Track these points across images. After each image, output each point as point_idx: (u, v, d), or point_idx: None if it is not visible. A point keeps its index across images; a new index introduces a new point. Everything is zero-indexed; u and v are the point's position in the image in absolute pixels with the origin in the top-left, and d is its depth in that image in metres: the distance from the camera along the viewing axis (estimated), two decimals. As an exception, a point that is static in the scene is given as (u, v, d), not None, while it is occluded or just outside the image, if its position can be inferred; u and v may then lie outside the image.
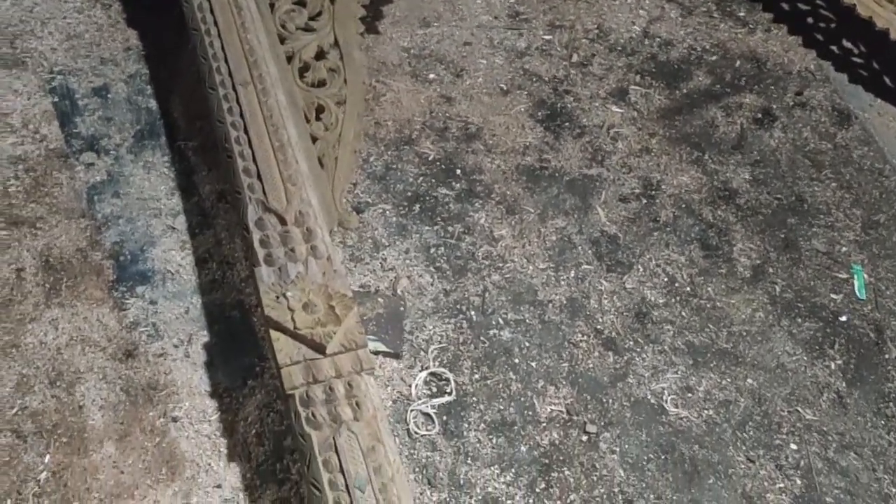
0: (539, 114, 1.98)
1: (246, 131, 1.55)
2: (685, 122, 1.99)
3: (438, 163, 1.87)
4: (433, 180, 1.85)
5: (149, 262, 1.63)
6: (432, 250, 1.74)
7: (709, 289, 1.74)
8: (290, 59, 1.71)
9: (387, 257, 1.72)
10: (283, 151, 1.53)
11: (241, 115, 1.56)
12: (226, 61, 1.63)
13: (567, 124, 1.97)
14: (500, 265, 1.74)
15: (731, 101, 2.02)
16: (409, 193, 1.82)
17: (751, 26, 2.16)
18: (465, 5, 2.15)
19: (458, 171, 1.86)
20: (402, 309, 1.65)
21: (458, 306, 1.67)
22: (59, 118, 1.77)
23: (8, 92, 1.78)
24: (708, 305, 1.71)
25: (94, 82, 1.84)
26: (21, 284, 1.55)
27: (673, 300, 1.72)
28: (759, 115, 2.01)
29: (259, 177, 1.50)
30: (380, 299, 1.66)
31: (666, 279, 1.74)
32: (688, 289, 1.73)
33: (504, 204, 1.83)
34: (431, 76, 2.01)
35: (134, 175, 1.74)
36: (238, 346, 1.55)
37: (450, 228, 1.78)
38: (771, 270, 1.78)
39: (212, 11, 1.68)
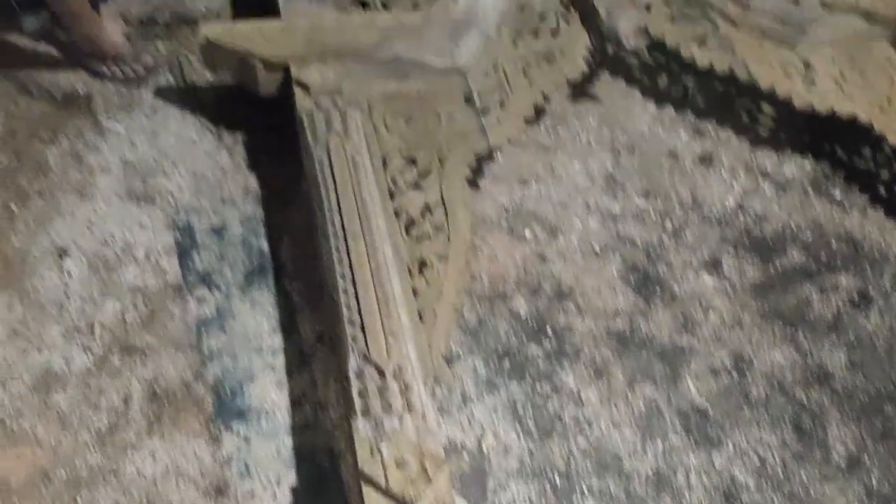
0: (631, 278, 2.01)
1: (353, 282, 1.62)
2: (779, 298, 1.99)
3: (530, 320, 1.91)
4: (524, 337, 1.88)
5: (246, 399, 1.69)
6: (520, 409, 1.75)
7: (802, 474, 1.69)
8: (397, 213, 1.80)
9: (474, 412, 1.74)
10: (386, 304, 1.60)
11: (350, 267, 1.65)
12: (339, 213, 1.73)
13: (659, 291, 1.99)
14: (587, 429, 1.74)
15: (826, 281, 2.02)
16: (500, 349, 1.85)
17: (847, 207, 2.18)
18: (562, 167, 2.23)
19: (549, 330, 1.89)
20: (486, 467, 1.66)
21: (542, 468, 1.66)
22: (179, 253, 1.89)
23: (136, 225, 1.92)
24: (800, 492, 1.66)
25: (213, 221, 1.97)
26: (127, 412, 1.62)
27: (764, 483, 1.67)
28: (856, 297, 2.00)
29: (362, 328, 1.56)
30: (465, 455, 1.67)
31: (757, 460, 1.71)
32: (780, 473, 1.69)
33: (593, 367, 1.84)
34: (527, 234, 2.08)
35: (240, 312, 1.83)
36: (324, 491, 1.57)
37: (538, 387, 1.79)
38: (867, 460, 1.73)
39: (330, 166, 1.80)
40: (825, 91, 2.10)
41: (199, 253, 1.91)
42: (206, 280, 1.87)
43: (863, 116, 2.07)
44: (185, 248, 1.91)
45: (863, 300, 2.00)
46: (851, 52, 2.18)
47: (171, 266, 1.87)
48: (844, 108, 2.08)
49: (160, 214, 1.96)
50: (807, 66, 2.15)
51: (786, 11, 2.20)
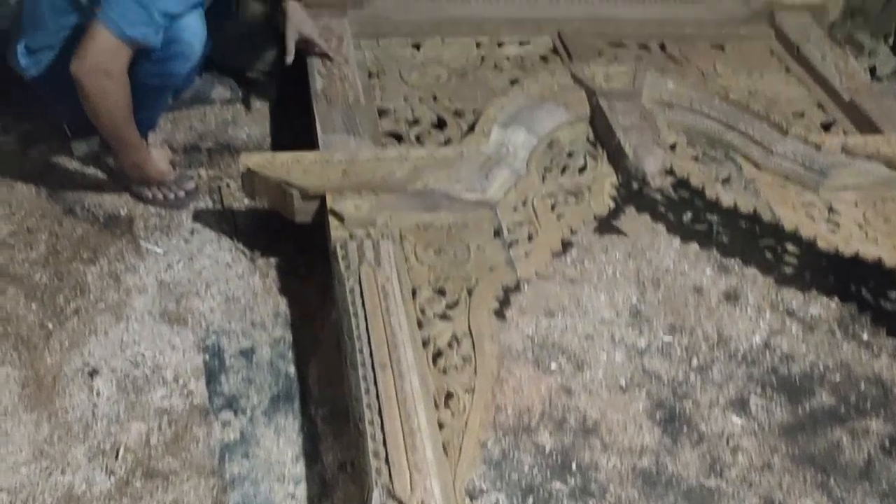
0: (657, 415, 1.99)
1: (380, 413, 1.63)
2: (809, 441, 1.95)
3: (555, 455, 1.88)
4: (548, 473, 1.85)
5: (266, 530, 1.67)
6: (543, 549, 1.71)
7: None
8: (425, 344, 1.82)
9: (497, 552, 1.70)
10: (412, 437, 1.59)
11: (377, 397, 1.65)
12: (368, 343, 1.75)
13: (685, 429, 1.97)
14: (613, 575, 1.69)
15: (856, 425, 1.99)
16: (524, 484, 1.82)
17: (875, 350, 2.17)
18: (588, 299, 2.26)
19: (574, 466, 1.87)
20: None
21: None
22: (207, 375, 1.91)
23: (167, 347, 1.95)
24: None
25: (242, 344, 2.00)
26: (146, 540, 1.60)
27: None
28: (887, 444, 1.96)
29: (387, 461, 1.55)
30: None
31: None
32: None
33: (619, 507, 1.80)
34: (553, 366, 2.08)
35: (265, 437, 1.82)
36: None
37: (562, 527, 1.75)
38: None
39: (361, 295, 1.84)
40: (849, 235, 2.12)
41: (226, 375, 1.92)
42: (233, 404, 1.88)
43: (888, 260, 2.08)
44: (213, 371, 1.93)
45: (894, 447, 1.96)
46: (875, 197, 2.22)
47: (199, 388, 1.88)
48: (869, 251, 2.10)
49: (191, 336, 1.99)
50: (830, 209, 2.19)
51: (808, 156, 2.26)
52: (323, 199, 2.04)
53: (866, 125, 2.43)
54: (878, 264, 2.10)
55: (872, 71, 3.08)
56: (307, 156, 2.10)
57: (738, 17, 2.86)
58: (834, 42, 2.84)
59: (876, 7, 3.37)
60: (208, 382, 1.90)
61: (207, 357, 1.95)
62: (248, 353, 1.98)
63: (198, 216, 2.28)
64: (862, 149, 2.27)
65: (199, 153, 2.47)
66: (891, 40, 3.20)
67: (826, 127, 2.48)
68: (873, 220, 2.17)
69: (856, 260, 2.14)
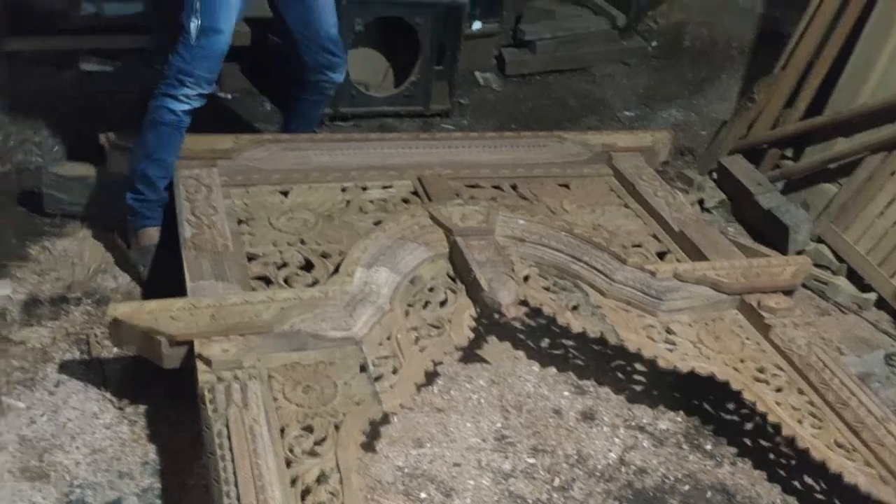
0: (524, 537, 2.08)
1: (248, 556, 1.64)
2: (664, 551, 2.08)
3: (426, 586, 1.92)
4: None
5: None
6: None
7: None
8: (294, 482, 1.86)
9: None
10: (280, 578, 1.61)
11: (245, 540, 1.67)
12: (235, 485, 1.77)
13: (551, 549, 2.06)
14: None
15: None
16: None
17: (718, 459, 2.35)
18: (455, 427, 2.36)
19: None
20: None
21: None
22: (70, 533, 1.87)
23: (27, 505, 1.91)
24: None
25: (108, 496, 1.97)
26: None
27: None
28: (734, 548, 2.11)
29: None
30: None
31: None
32: None
33: None
34: (423, 495, 2.14)
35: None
36: None
37: None
38: None
39: (229, 438, 1.87)
40: (685, 353, 2.33)
41: (92, 538, 1.89)
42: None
43: (719, 374, 2.29)
44: (76, 529, 1.89)
45: (740, 552, 2.11)
46: (705, 317, 2.47)
47: (62, 548, 1.84)
48: (703, 367, 2.30)
49: (54, 492, 1.95)
50: (668, 330, 2.41)
51: (645, 282, 2.49)
52: (191, 344, 2.08)
53: (695, 253, 2.71)
54: (711, 378, 2.31)
55: (701, 202, 3.43)
56: (175, 302, 2.15)
57: (580, 159, 3.17)
58: (665, 179, 3.17)
59: (700, 147, 3.80)
60: (72, 540, 1.86)
61: (70, 512, 1.92)
62: (114, 505, 1.96)
63: (64, 367, 2.27)
64: (691, 274, 2.52)
65: (66, 304, 2.48)
66: (715, 175, 3.59)
67: (661, 255, 2.75)
68: (705, 338, 2.40)
69: (695, 375, 2.35)
